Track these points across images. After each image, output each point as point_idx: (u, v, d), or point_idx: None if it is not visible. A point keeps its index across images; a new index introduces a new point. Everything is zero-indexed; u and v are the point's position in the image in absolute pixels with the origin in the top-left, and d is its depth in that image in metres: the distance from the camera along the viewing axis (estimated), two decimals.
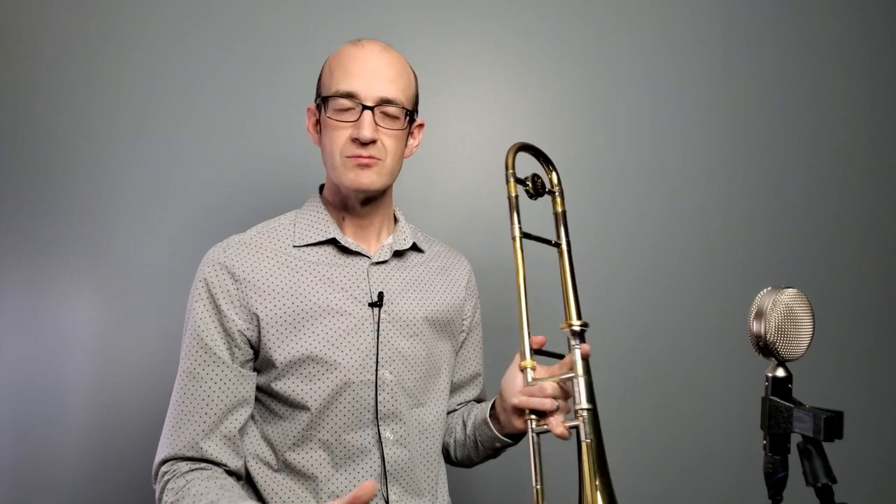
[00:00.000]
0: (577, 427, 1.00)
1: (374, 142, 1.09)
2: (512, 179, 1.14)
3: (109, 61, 1.67)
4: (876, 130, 1.93)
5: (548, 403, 1.03)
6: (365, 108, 1.09)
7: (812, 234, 1.89)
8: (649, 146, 1.84)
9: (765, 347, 0.82)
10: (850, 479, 0.96)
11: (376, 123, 1.10)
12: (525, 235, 1.12)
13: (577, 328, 1.06)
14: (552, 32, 1.82)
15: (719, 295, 1.83)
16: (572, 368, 1.04)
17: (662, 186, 1.84)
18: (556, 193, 1.21)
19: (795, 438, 0.79)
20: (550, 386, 1.04)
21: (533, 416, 1.05)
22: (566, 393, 1.06)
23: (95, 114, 1.66)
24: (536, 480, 0.99)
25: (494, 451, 1.24)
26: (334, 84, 1.12)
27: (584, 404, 1.00)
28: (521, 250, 1.11)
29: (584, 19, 1.84)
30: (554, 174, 1.22)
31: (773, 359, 0.82)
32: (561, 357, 1.11)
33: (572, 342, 1.05)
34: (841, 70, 1.92)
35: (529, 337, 1.09)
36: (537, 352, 1.10)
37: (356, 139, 1.09)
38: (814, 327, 0.82)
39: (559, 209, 1.20)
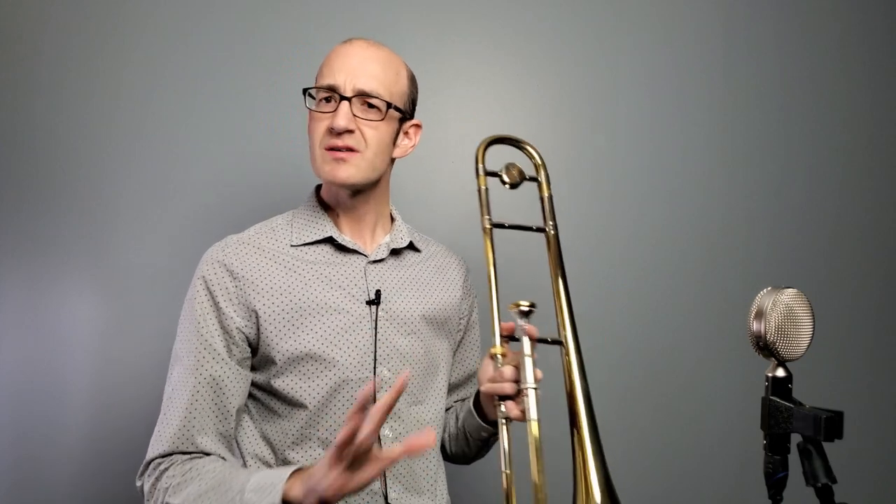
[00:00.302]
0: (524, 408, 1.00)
1: (350, 132, 1.10)
2: (482, 173, 1.16)
3: (109, 61, 1.67)
4: (876, 130, 1.93)
5: (507, 387, 1.02)
6: (342, 98, 1.10)
7: (812, 234, 1.89)
8: (649, 146, 1.84)
9: (765, 347, 0.82)
10: (850, 479, 0.96)
11: (355, 115, 1.10)
12: (496, 226, 1.12)
13: (524, 308, 1.04)
14: (552, 32, 1.82)
15: (719, 295, 1.83)
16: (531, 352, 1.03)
17: (662, 186, 1.84)
18: (541, 179, 1.20)
19: (795, 438, 0.79)
20: (509, 370, 1.03)
21: (500, 402, 1.04)
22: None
23: (95, 114, 1.66)
24: (505, 465, 0.99)
25: (483, 442, 1.25)
26: (319, 79, 1.14)
27: (530, 384, 1.00)
28: (492, 241, 1.11)
29: (584, 19, 1.84)
30: (537, 156, 1.21)
31: (773, 359, 0.82)
32: (546, 342, 1.08)
33: (519, 322, 1.04)
34: (841, 70, 1.92)
35: (500, 324, 1.07)
36: (509, 337, 1.08)
37: (332, 129, 1.10)
38: (814, 327, 0.82)
39: (545, 194, 1.19)
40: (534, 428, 0.97)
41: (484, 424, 1.19)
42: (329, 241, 1.17)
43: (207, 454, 1.07)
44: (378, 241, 1.22)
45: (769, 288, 0.83)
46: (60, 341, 1.62)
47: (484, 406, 1.18)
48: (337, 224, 1.19)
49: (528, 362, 1.00)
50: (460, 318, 1.30)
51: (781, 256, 1.87)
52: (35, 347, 1.62)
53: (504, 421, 1.02)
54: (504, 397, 1.03)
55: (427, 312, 1.21)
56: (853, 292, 1.89)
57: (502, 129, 1.79)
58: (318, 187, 1.24)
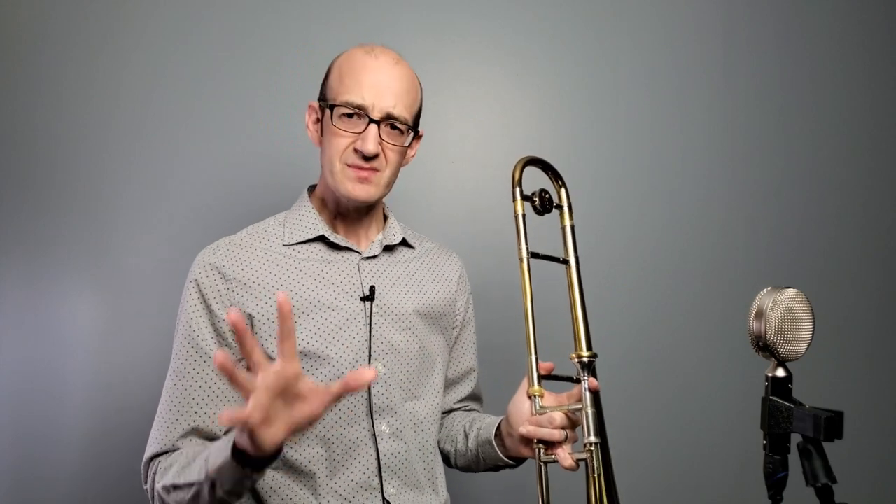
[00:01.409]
0: (584, 460, 0.99)
1: (376, 156, 1.10)
2: (519, 197, 1.09)
3: (109, 61, 1.67)
4: (876, 130, 1.93)
5: (556, 434, 1.02)
6: (371, 121, 1.09)
7: (812, 234, 1.89)
8: (649, 146, 1.84)
9: (765, 347, 0.81)
10: (850, 479, 0.96)
11: (380, 137, 1.10)
12: (533, 255, 1.08)
13: (585, 360, 1.03)
14: (552, 32, 1.82)
15: (719, 295, 1.83)
16: (580, 400, 1.02)
17: (662, 186, 1.84)
18: (565, 207, 1.16)
19: (795, 438, 0.79)
20: (559, 416, 1.02)
21: (541, 446, 1.04)
22: (574, 423, 1.04)
23: (95, 114, 1.66)
24: None
25: (496, 468, 1.24)
26: (344, 92, 1.11)
27: (592, 438, 0.99)
28: (529, 272, 1.07)
29: (584, 19, 1.84)
30: (563, 189, 1.17)
31: (773, 359, 0.82)
32: (570, 380, 1.08)
33: (581, 374, 1.02)
34: (841, 70, 1.92)
35: (537, 363, 1.07)
36: (546, 377, 1.08)
37: (358, 151, 1.09)
38: (814, 327, 0.82)
39: (567, 223, 1.15)
40: (595, 483, 0.97)
41: (504, 458, 1.17)
42: (321, 239, 1.17)
43: None
44: (371, 239, 1.22)
45: (769, 288, 0.83)
46: (60, 341, 1.62)
47: (513, 442, 1.13)
48: (331, 224, 1.19)
49: (590, 415, 1.00)
50: (455, 315, 1.30)
51: (781, 256, 1.87)
52: (35, 347, 1.62)
53: (543, 465, 1.03)
54: (548, 442, 1.03)
55: (421, 307, 1.21)
56: (853, 292, 1.89)
57: (502, 129, 1.80)
58: (311, 187, 1.25)
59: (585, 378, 1.02)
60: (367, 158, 1.09)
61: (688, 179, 1.85)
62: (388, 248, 1.23)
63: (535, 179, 1.18)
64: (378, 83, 1.10)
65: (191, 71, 1.69)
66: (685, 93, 1.86)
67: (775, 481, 0.80)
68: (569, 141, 1.82)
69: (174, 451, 1.07)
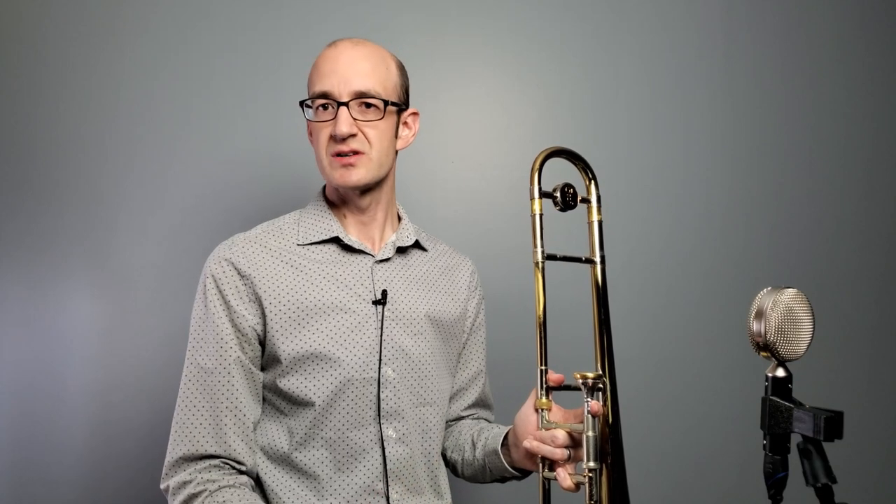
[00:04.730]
0: (583, 484, 0.96)
1: (353, 136, 1.10)
2: (537, 195, 1.00)
3: (109, 61, 1.67)
4: (876, 130, 1.93)
5: (558, 454, 0.98)
6: (340, 104, 1.10)
7: (812, 234, 1.89)
8: (649, 146, 1.84)
9: (765, 347, 0.81)
10: (850, 479, 0.96)
11: (354, 118, 1.10)
12: (549, 257, 1.00)
13: (589, 381, 0.96)
14: (552, 32, 1.82)
15: (719, 295, 1.83)
16: (584, 421, 0.97)
17: (662, 187, 1.84)
18: (593, 201, 1.07)
19: (795, 438, 0.79)
20: (562, 435, 0.99)
21: (547, 463, 1.01)
22: (578, 443, 1.00)
23: (96, 114, 1.66)
24: None
25: (502, 479, 1.22)
26: (311, 88, 1.14)
27: (592, 464, 0.94)
28: (544, 276, 0.99)
29: (584, 19, 1.84)
30: (593, 183, 1.09)
31: (773, 359, 0.82)
32: (580, 390, 1.03)
33: (584, 395, 0.96)
34: (841, 70, 1.92)
35: (546, 374, 1.01)
36: (556, 388, 1.02)
37: (333, 136, 1.10)
38: (814, 327, 0.81)
39: (595, 218, 1.07)
40: None
41: (510, 469, 1.15)
42: (335, 240, 1.17)
43: (231, 458, 1.07)
44: (385, 240, 1.22)
45: (769, 288, 0.83)
46: (60, 341, 1.62)
47: (513, 451, 1.13)
48: (344, 224, 1.19)
49: (591, 440, 0.95)
50: (465, 319, 1.29)
51: (781, 256, 1.87)
52: (35, 347, 1.61)
53: (545, 481, 1.00)
54: (552, 461, 1.00)
55: (432, 312, 1.20)
56: (853, 292, 1.89)
57: (501, 129, 1.80)
58: (324, 187, 1.24)
59: (587, 400, 0.96)
60: (344, 140, 1.10)
61: (688, 179, 1.85)
62: (401, 251, 1.22)
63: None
64: (337, 67, 1.11)
65: (191, 71, 1.69)
66: (685, 92, 1.86)
67: (775, 481, 0.80)
68: (568, 141, 1.80)
69: (205, 458, 1.05)
